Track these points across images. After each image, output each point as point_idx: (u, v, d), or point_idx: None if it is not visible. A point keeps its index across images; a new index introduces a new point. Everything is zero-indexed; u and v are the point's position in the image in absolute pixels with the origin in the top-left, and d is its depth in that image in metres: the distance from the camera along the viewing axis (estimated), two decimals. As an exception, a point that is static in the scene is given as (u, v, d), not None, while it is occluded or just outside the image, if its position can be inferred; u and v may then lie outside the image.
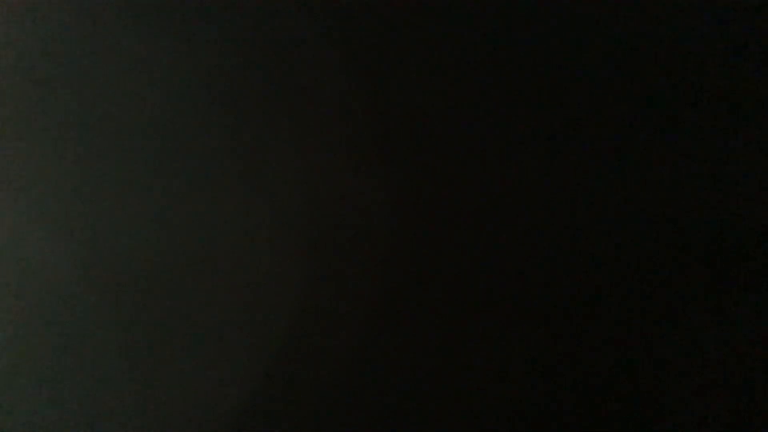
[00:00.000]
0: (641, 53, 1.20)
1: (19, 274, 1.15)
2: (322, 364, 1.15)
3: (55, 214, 1.16)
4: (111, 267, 1.15)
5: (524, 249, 1.17)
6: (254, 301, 1.16)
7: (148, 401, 1.14)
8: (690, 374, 1.16)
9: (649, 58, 1.20)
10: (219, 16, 1.19)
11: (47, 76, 1.18)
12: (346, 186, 1.18)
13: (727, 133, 1.19)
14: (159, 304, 1.15)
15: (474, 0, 1.20)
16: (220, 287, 1.16)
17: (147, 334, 1.15)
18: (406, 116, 1.19)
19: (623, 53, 1.20)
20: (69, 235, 1.16)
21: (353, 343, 1.16)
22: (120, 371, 1.14)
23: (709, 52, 1.21)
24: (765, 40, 1.20)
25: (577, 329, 1.16)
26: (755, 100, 1.20)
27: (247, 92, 1.19)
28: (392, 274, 1.17)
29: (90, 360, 1.14)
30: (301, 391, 1.15)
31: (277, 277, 1.16)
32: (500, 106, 1.19)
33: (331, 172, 1.18)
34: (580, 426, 1.15)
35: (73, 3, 1.19)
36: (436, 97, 1.19)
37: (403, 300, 1.16)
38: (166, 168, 1.17)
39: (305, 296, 1.16)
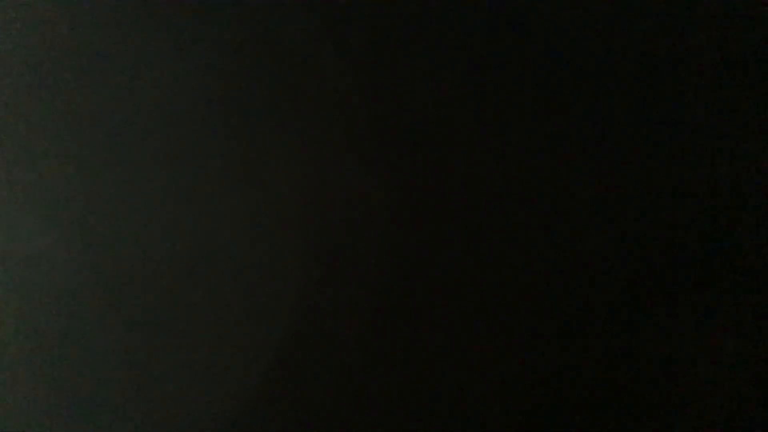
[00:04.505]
0: (641, 53, 1.20)
1: (19, 274, 1.15)
2: (322, 364, 1.15)
3: (55, 214, 1.16)
4: (111, 267, 1.15)
5: (524, 248, 1.17)
6: (254, 301, 1.16)
7: (148, 401, 1.14)
8: (689, 374, 1.16)
9: (649, 59, 1.20)
10: (219, 16, 1.19)
11: (47, 76, 1.18)
12: (346, 186, 1.18)
13: (727, 133, 1.19)
14: (159, 304, 1.15)
15: (474, 0, 1.20)
16: (220, 287, 1.16)
17: (147, 333, 1.15)
18: (406, 116, 1.19)
19: (623, 53, 1.20)
20: (69, 234, 1.16)
21: (353, 343, 1.16)
22: (120, 371, 1.14)
23: (709, 51, 1.21)
24: (765, 41, 1.20)
25: (576, 329, 1.16)
26: (755, 100, 1.20)
27: (247, 92, 1.18)
28: (392, 274, 1.17)
29: (90, 360, 1.14)
30: (301, 391, 1.15)
31: (277, 277, 1.16)
32: (500, 106, 1.19)
33: (331, 172, 1.18)
34: (580, 426, 1.15)
35: (73, 3, 1.19)
36: (436, 97, 1.19)
37: (402, 300, 1.16)
38: (166, 168, 1.17)
39: (305, 296, 1.16)
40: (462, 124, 1.19)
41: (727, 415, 1.15)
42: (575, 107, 1.19)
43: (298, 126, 1.18)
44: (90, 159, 1.17)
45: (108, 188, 1.17)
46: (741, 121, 1.19)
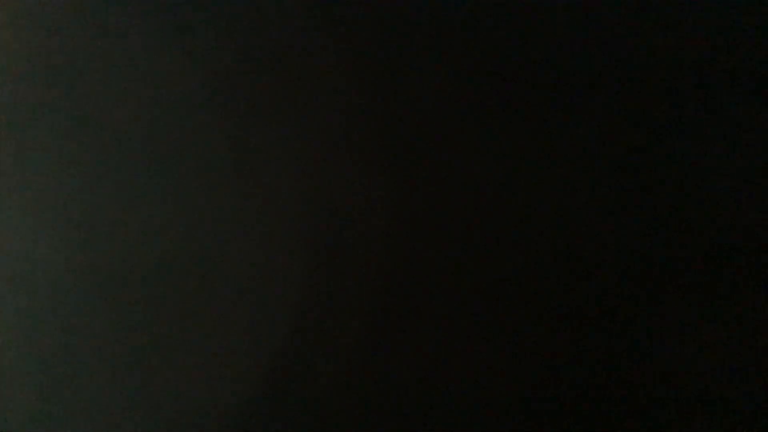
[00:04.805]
0: (641, 53, 1.21)
1: (19, 274, 1.15)
2: (322, 364, 1.15)
3: (55, 215, 1.16)
4: (111, 267, 1.15)
5: (524, 249, 1.17)
6: (254, 301, 1.16)
7: (148, 401, 1.14)
8: (689, 374, 1.16)
9: (650, 58, 1.21)
10: (219, 17, 1.19)
11: (47, 76, 1.18)
12: (346, 186, 1.18)
13: (727, 133, 1.19)
14: (159, 304, 1.15)
15: (474, 1, 1.20)
16: (220, 287, 1.16)
17: (147, 333, 1.15)
18: (406, 116, 1.19)
19: (623, 53, 1.20)
20: (69, 235, 1.16)
21: (353, 343, 1.16)
22: (120, 371, 1.14)
23: (709, 51, 1.21)
24: (765, 40, 1.21)
25: (576, 329, 1.16)
26: (755, 100, 1.20)
27: (248, 92, 1.19)
28: (392, 274, 1.17)
29: (90, 359, 1.14)
30: (301, 390, 1.15)
31: (278, 276, 1.16)
32: (500, 106, 1.19)
33: (331, 172, 1.18)
34: (580, 426, 1.15)
35: (73, 3, 1.19)
36: (435, 98, 1.19)
37: (402, 299, 1.16)
38: (166, 168, 1.17)
39: (305, 296, 1.16)
40: (462, 124, 1.19)
41: (727, 415, 1.15)
42: (575, 107, 1.20)
43: (298, 126, 1.19)
44: (90, 160, 1.17)
45: (108, 189, 1.17)
46: (741, 121, 1.19)
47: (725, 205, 1.18)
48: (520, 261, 1.17)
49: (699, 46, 1.21)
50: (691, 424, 1.15)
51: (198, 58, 1.19)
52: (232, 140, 1.18)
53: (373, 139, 1.19)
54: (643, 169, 1.19)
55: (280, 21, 1.19)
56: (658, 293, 1.17)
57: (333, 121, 1.19)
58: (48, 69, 1.19)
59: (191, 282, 1.16)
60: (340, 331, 1.16)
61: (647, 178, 1.18)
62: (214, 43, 1.19)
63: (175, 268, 1.16)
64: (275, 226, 1.17)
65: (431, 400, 1.15)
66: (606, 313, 1.16)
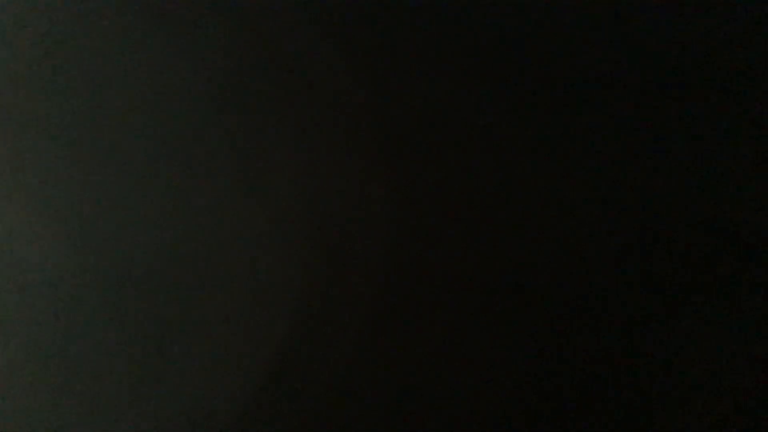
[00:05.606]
0: (642, 53, 1.21)
1: (19, 274, 1.15)
2: (322, 365, 1.15)
3: (55, 214, 1.16)
4: (111, 267, 1.15)
5: (524, 249, 1.17)
6: (254, 301, 1.16)
7: (148, 401, 1.14)
8: (689, 375, 1.16)
9: (650, 57, 1.21)
10: (219, 16, 1.19)
11: (48, 76, 1.18)
12: (346, 186, 1.18)
13: (727, 134, 1.20)
14: (159, 304, 1.15)
15: (474, 0, 1.21)
16: (221, 287, 1.16)
17: (147, 333, 1.15)
18: (406, 116, 1.19)
19: (623, 53, 1.21)
20: (69, 234, 1.16)
21: (353, 344, 1.16)
22: (120, 371, 1.14)
23: (710, 50, 1.21)
24: (765, 40, 1.21)
25: (576, 330, 1.16)
26: (755, 99, 1.20)
27: (248, 92, 1.19)
28: (392, 274, 1.17)
29: (90, 360, 1.14)
30: (301, 391, 1.15)
31: (277, 277, 1.16)
32: (500, 106, 1.19)
33: (331, 172, 1.18)
34: (579, 426, 1.15)
35: (73, 3, 1.19)
36: (436, 97, 1.19)
37: (403, 300, 1.16)
38: (167, 168, 1.18)
39: (305, 296, 1.16)
40: (463, 124, 1.19)
41: (727, 415, 1.15)
42: (577, 108, 1.20)
43: (299, 126, 1.19)
44: (91, 160, 1.17)
45: (109, 189, 1.17)
46: (741, 123, 1.20)
47: (726, 205, 1.18)
48: (522, 261, 1.17)
49: (699, 46, 1.21)
50: (691, 424, 1.15)
51: (198, 58, 1.19)
52: (232, 140, 1.18)
53: (374, 139, 1.19)
54: (643, 169, 1.19)
55: (281, 21, 1.20)
56: (657, 293, 1.17)
57: (333, 121, 1.19)
58: (49, 69, 1.19)
59: (192, 282, 1.16)
60: (341, 331, 1.16)
61: (648, 178, 1.19)
62: (215, 43, 1.19)
63: (176, 268, 1.16)
64: (276, 226, 1.17)
65: (432, 400, 1.15)
66: (606, 313, 1.16)
